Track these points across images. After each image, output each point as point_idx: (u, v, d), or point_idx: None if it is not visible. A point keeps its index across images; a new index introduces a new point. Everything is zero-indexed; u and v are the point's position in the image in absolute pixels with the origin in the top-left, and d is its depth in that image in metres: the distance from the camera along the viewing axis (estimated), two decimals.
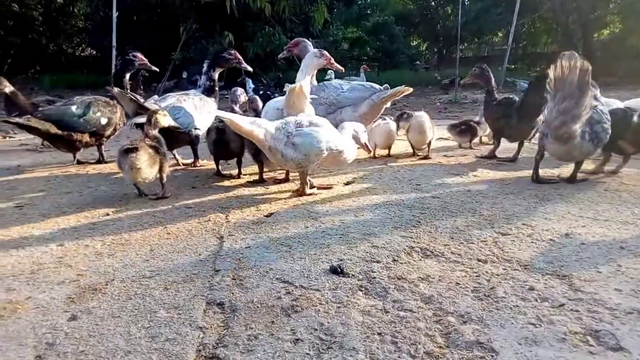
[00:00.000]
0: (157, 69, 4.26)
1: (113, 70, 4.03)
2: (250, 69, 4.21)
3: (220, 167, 3.54)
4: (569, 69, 2.71)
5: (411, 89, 4.31)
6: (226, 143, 3.29)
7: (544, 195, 2.82)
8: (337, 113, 4.32)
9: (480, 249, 1.99)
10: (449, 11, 26.73)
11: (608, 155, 3.49)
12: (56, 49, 21.14)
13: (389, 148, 4.34)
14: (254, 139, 2.77)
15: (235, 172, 3.51)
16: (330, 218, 2.43)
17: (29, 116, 3.45)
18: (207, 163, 3.90)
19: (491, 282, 1.67)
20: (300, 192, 2.93)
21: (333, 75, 12.50)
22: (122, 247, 2.09)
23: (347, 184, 3.21)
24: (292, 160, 2.74)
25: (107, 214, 2.57)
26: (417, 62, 26.00)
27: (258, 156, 3.22)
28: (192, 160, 3.91)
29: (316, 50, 3.71)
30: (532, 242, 2.05)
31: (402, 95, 4.19)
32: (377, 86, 4.51)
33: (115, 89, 3.40)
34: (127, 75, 3.98)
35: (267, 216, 2.49)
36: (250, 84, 10.04)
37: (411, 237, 2.13)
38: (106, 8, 15.09)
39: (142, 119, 3.26)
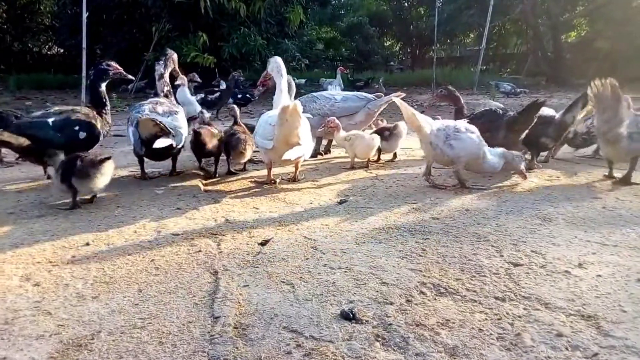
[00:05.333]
0: (133, 77, 4.04)
1: (87, 82, 3.73)
2: (131, 77, 4.03)
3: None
4: (602, 86, 3.28)
5: (404, 94, 4.36)
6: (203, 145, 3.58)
7: (545, 215, 2.75)
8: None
9: (495, 283, 1.89)
10: (422, 12, 26.90)
11: (535, 152, 4.05)
12: (21, 48, 20.37)
13: (368, 159, 4.24)
14: (420, 132, 3.38)
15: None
16: (331, 246, 2.28)
17: (1, 130, 3.17)
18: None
19: (515, 326, 1.56)
20: (462, 186, 3.40)
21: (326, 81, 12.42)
22: (107, 287, 1.90)
23: (341, 202, 3.07)
24: (447, 157, 3.32)
25: (87, 244, 2.36)
26: (392, 62, 26.11)
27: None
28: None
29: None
30: (547, 274, 1.96)
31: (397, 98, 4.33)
32: (369, 95, 4.53)
33: (143, 117, 3.24)
34: (103, 86, 3.72)
35: (261, 244, 2.33)
36: (223, 86, 9.77)
37: (420, 270, 2.00)
38: (74, 6, 14.58)
39: (162, 144, 3.18)
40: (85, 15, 8.97)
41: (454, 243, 2.33)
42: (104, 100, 3.72)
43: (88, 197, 3.11)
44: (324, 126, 4.07)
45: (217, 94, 8.51)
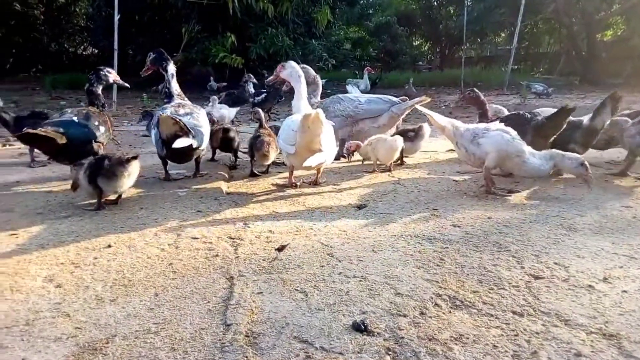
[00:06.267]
0: (129, 85, 4.35)
1: (86, 86, 4.03)
2: (128, 85, 4.30)
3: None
4: None
5: (429, 99, 4.34)
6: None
7: (571, 224, 2.66)
8: (354, 125, 4.38)
9: (514, 297, 1.84)
10: (451, 11, 26.50)
11: None
12: (57, 48, 21.04)
13: (391, 163, 4.18)
14: (444, 133, 3.49)
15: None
16: (347, 254, 2.27)
17: (44, 128, 3.31)
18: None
19: (532, 343, 1.52)
20: (487, 190, 3.31)
21: (352, 82, 12.40)
22: (125, 290, 1.94)
23: (360, 207, 3.05)
24: (475, 155, 3.28)
25: (109, 245, 2.41)
26: (420, 62, 25.84)
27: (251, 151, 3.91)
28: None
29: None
30: (569, 288, 1.90)
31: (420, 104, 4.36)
32: (394, 98, 4.50)
33: (163, 115, 3.33)
34: (100, 89, 3.96)
35: (278, 250, 2.33)
36: (251, 88, 9.83)
37: (437, 281, 1.97)
38: (108, 8, 14.96)
39: (182, 143, 3.21)
40: (117, 17, 9.20)
41: (473, 252, 2.28)
42: (102, 101, 3.96)
43: (113, 198, 3.18)
44: (347, 152, 4.15)
45: (262, 96, 8.60)
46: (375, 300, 1.81)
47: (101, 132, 3.68)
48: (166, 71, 4.02)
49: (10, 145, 5.74)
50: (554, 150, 3.24)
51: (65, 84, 15.24)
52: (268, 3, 13.01)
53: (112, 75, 4.04)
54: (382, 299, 1.82)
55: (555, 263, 2.14)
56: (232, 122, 6.80)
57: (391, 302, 1.79)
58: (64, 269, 2.15)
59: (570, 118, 3.77)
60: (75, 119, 3.55)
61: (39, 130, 3.19)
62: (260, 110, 4.28)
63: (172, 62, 4.09)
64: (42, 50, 20.07)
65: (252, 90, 9.70)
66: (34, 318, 1.73)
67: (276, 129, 4.02)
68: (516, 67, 21.61)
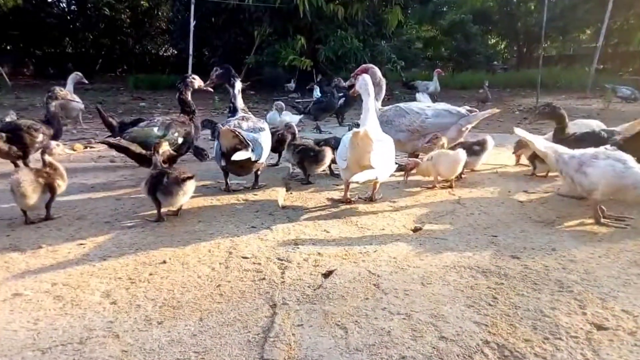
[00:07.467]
0: (212, 90, 4.62)
1: (177, 95, 4.40)
2: (211, 90, 4.55)
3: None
4: None
5: (498, 110, 4.17)
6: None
7: None
8: (420, 140, 4.28)
9: (570, 349, 1.69)
10: (532, 7, 25.11)
11: None
12: (141, 49, 22.48)
13: (452, 179, 3.98)
14: (547, 159, 3.30)
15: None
16: (394, 285, 2.20)
17: (120, 138, 3.73)
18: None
19: None
20: (595, 221, 3.02)
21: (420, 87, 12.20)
22: (172, 312, 2.00)
23: (415, 230, 2.96)
24: (581, 186, 2.98)
25: (164, 261, 2.50)
26: (495, 62, 24.75)
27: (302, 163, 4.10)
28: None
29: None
30: (636, 344, 1.72)
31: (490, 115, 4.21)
32: (462, 110, 4.33)
33: (224, 128, 3.48)
34: (189, 96, 4.33)
35: (325, 275, 2.32)
36: (317, 92, 9.88)
37: (486, 324, 1.86)
38: (186, 12, 15.71)
39: (240, 156, 3.34)
40: (192, 24, 9.60)
41: (531, 291, 2.13)
42: (193, 108, 4.31)
43: (174, 209, 3.30)
44: (404, 171, 4.05)
45: (342, 99, 8.57)
46: (417, 343, 1.74)
47: (178, 143, 4.00)
48: (233, 87, 4.14)
49: (91, 147, 6.17)
50: None
51: (147, 83, 16.20)
52: (339, 5, 13.04)
53: (197, 81, 4.37)
54: (424, 342, 1.75)
55: (623, 310, 1.95)
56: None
57: (434, 347, 1.71)
58: (121, 285, 2.26)
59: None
60: (155, 130, 3.90)
61: (119, 141, 3.64)
62: (293, 124, 4.41)
63: (239, 79, 4.22)
64: (128, 51, 21.55)
65: (318, 94, 9.74)
66: (87, 337, 1.83)
67: (336, 141, 4.04)
68: (602, 67, 20.12)
